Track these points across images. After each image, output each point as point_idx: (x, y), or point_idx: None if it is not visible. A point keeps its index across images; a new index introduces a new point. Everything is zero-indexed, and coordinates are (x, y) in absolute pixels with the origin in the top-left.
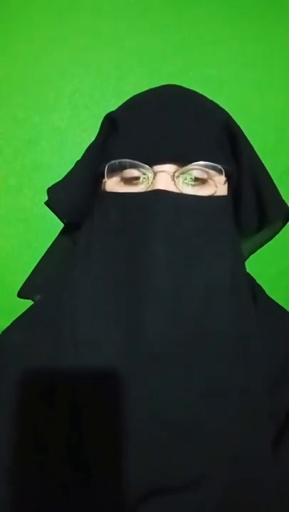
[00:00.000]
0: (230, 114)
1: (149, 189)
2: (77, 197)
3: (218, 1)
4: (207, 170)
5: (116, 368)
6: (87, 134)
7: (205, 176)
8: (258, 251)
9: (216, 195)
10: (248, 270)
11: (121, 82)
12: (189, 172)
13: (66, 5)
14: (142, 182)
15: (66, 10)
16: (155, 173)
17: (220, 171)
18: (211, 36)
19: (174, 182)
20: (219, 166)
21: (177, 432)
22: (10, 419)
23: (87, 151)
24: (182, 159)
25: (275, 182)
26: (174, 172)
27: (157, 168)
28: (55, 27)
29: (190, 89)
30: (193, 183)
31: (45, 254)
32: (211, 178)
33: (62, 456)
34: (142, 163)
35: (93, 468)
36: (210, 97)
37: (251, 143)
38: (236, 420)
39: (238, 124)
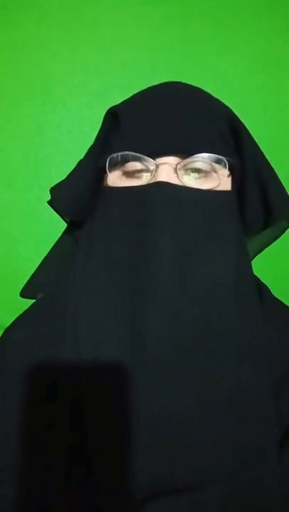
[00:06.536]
0: (237, 111)
1: (151, 182)
2: (78, 194)
3: None
4: (210, 162)
5: (119, 366)
6: (92, 133)
7: (208, 169)
8: (262, 252)
9: (219, 188)
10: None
11: (126, 79)
12: (192, 164)
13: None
14: (144, 176)
15: (68, 5)
16: (157, 166)
17: (223, 164)
18: (217, 32)
19: (177, 174)
20: (223, 158)
21: (181, 431)
22: (12, 417)
23: (89, 148)
24: (185, 151)
25: (283, 181)
26: (177, 164)
27: (160, 160)
28: (57, 24)
29: (193, 86)
30: (196, 175)
31: (48, 254)
32: (214, 171)
33: (64, 455)
34: (143, 156)
35: (96, 468)
36: (217, 94)
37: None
38: (240, 420)
39: (243, 121)
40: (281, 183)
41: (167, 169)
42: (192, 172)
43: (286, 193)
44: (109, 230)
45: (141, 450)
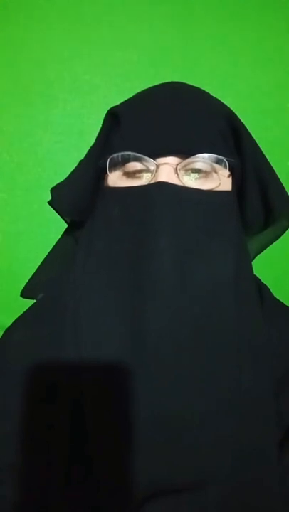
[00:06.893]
0: (237, 111)
1: (151, 182)
2: (79, 194)
3: None
4: (210, 162)
5: (119, 365)
6: (92, 133)
7: (208, 169)
8: (262, 252)
9: (219, 188)
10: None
11: (126, 79)
12: (192, 165)
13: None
14: (145, 176)
15: (68, 5)
16: (158, 166)
17: (224, 165)
18: (217, 32)
19: (177, 175)
20: (223, 159)
21: (181, 431)
22: (12, 417)
23: (90, 148)
24: (185, 151)
25: (283, 181)
26: (177, 164)
27: (160, 160)
28: (57, 24)
29: (193, 86)
30: (196, 176)
31: (48, 254)
32: (214, 171)
33: (64, 455)
34: (144, 156)
35: (96, 468)
36: (217, 94)
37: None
38: (240, 420)
39: (243, 121)
40: (281, 183)
41: (167, 169)
42: (192, 172)
43: (286, 192)
44: (110, 230)
45: (141, 450)
